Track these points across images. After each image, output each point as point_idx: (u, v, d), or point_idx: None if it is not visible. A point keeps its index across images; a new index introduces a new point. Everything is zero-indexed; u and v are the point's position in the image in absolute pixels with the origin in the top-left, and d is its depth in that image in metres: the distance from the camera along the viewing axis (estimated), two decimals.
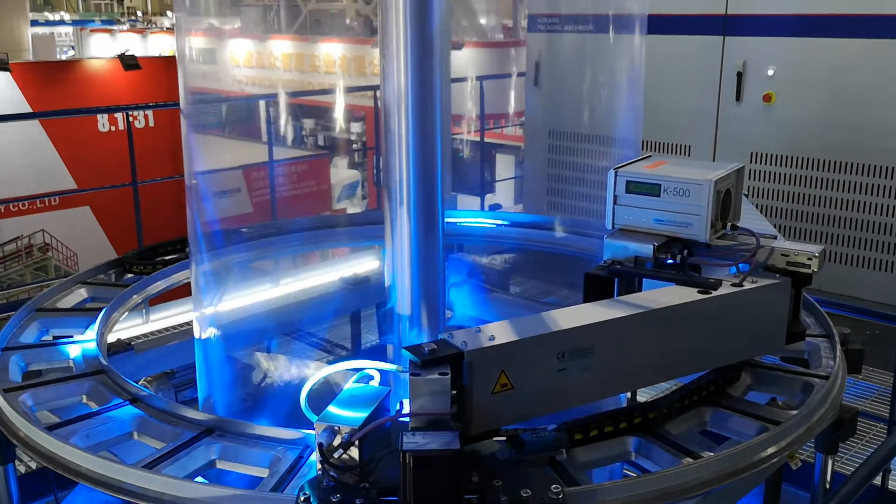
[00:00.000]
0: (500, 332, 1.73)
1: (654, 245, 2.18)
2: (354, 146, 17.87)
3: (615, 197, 2.29)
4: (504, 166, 13.33)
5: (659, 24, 5.34)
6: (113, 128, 10.11)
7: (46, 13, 33.00)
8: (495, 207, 8.56)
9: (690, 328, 1.99)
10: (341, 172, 14.70)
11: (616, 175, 2.28)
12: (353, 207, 14.50)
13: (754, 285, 2.04)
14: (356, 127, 18.44)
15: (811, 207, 5.12)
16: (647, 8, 3.44)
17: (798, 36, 4.99)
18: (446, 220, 2.60)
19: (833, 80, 4.93)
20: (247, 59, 21.28)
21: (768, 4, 5.08)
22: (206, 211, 2.82)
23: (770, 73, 5.14)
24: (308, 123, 19.52)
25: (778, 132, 5.17)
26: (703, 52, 5.39)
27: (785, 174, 5.20)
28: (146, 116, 10.11)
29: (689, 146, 5.62)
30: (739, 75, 5.25)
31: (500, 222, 3.88)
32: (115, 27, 27.96)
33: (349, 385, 1.85)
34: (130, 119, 6.11)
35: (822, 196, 5.06)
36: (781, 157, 5.20)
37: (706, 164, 2.41)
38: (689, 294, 2.00)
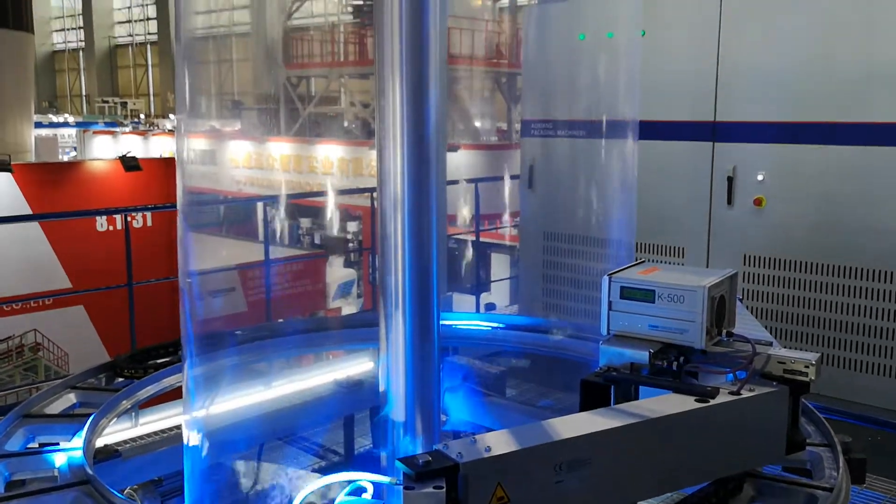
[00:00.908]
0: (496, 443, 1.69)
1: (649, 351, 2.17)
2: (350, 245, 18.02)
3: (610, 303, 2.29)
4: (499, 266, 13.42)
5: (650, 130, 5.48)
6: (111, 227, 10.19)
7: (51, 115, 33.78)
8: (490, 307, 8.56)
9: (689, 438, 1.96)
10: (337, 271, 14.76)
11: (610, 281, 2.29)
12: (349, 307, 14.49)
13: (752, 394, 2.02)
14: (352, 226, 18.65)
15: (807, 310, 5.13)
16: (638, 114, 3.55)
17: (785, 143, 5.11)
18: (441, 322, 2.59)
19: (822, 186, 5.02)
20: (246, 160, 21.69)
21: (755, 112, 5.22)
22: (200, 311, 2.81)
23: (760, 178, 5.24)
24: (305, 222, 19.76)
25: (770, 235, 5.23)
26: (694, 157, 5.51)
27: (779, 277, 5.23)
28: (144, 217, 10.21)
29: (683, 248, 5.67)
30: (730, 180, 5.35)
31: (495, 325, 3.86)
32: (117, 129, 28.58)
33: (341, 498, 1.80)
34: (128, 219, 6.16)
35: (818, 299, 5.08)
36: (775, 259, 5.24)
37: (699, 270, 2.43)
38: (686, 402, 1.98)
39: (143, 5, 43.67)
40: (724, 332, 2.28)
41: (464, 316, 3.91)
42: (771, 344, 2.29)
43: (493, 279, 11.92)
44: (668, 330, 2.20)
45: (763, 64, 5.15)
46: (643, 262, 2.47)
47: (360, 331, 3.66)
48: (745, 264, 5.33)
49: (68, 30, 47.98)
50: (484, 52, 22.56)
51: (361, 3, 23.33)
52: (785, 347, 2.27)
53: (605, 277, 2.30)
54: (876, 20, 4.70)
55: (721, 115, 5.36)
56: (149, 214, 10.27)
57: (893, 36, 4.65)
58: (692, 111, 5.48)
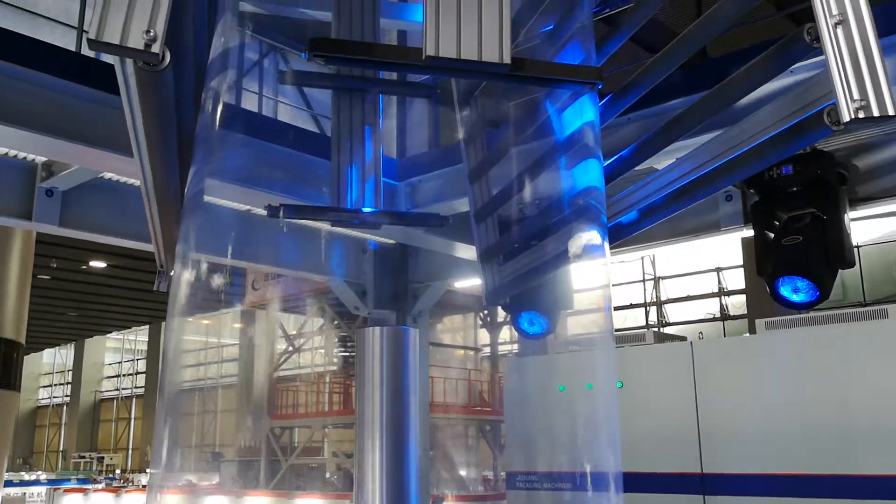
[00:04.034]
0: None
1: None
2: None
3: None
4: None
5: (636, 483, 5.33)
6: None
7: (23, 473, 32.81)
8: None
9: None
10: None
11: None
12: None
13: None
14: None
15: None
16: (621, 466, 3.48)
17: (776, 496, 4.96)
18: None
19: None
20: None
21: (742, 464, 5.14)
22: None
23: None
24: None
25: None
26: None
27: None
28: None
29: None
30: None
31: None
32: (89, 486, 27.61)
33: None
34: None
35: None
36: None
37: None
38: None
39: (133, 360, 44.76)
40: None
41: None
42: None
43: None
44: None
45: (741, 420, 5.20)
46: None
47: None
48: None
49: (56, 385, 48.53)
50: (467, 399, 22.84)
51: (347, 354, 24.08)
52: None
53: None
54: (846, 386, 4.86)
55: (707, 466, 5.28)
56: None
57: (863, 400, 4.77)
58: (678, 463, 5.40)
